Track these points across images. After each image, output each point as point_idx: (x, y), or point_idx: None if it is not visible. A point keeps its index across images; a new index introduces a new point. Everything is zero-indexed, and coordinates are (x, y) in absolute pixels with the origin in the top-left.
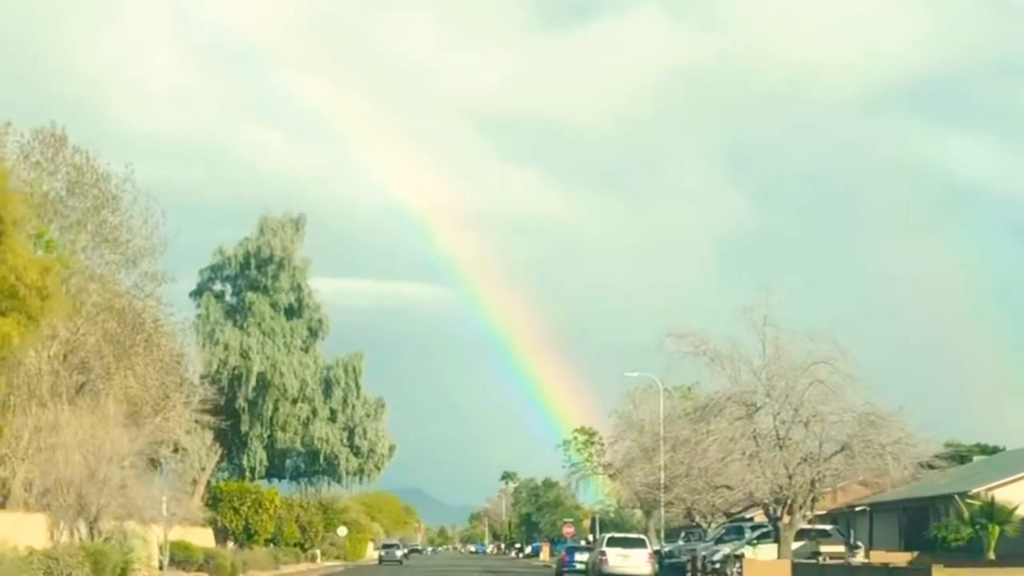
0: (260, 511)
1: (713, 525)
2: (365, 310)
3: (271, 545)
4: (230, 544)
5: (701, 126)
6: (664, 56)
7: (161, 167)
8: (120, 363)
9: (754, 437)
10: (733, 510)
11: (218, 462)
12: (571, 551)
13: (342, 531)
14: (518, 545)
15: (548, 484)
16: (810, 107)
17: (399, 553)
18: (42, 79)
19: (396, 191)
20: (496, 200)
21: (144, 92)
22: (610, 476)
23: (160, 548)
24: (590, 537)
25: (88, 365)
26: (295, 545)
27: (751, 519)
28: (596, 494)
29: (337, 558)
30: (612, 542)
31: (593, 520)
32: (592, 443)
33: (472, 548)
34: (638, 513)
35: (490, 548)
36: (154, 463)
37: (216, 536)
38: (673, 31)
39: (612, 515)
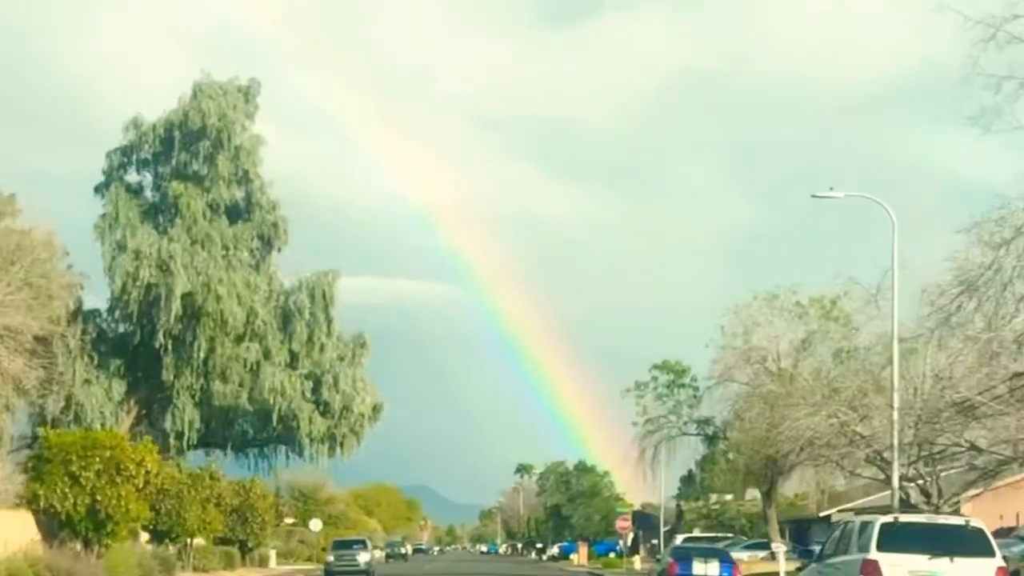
0: (120, 480)
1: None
2: (367, 307)
3: (171, 542)
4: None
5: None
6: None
7: None
8: None
9: None
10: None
11: (133, 425)
12: (685, 557)
13: (315, 525)
14: (540, 545)
15: (582, 468)
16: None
17: (363, 558)
18: None
19: (396, 187)
20: (500, 197)
21: (137, 84)
22: (707, 438)
23: None
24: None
25: None
26: (229, 542)
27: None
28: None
29: (309, 560)
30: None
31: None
32: (682, 385)
33: (483, 548)
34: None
35: (503, 548)
36: None
37: (43, 525)
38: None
39: (700, 504)
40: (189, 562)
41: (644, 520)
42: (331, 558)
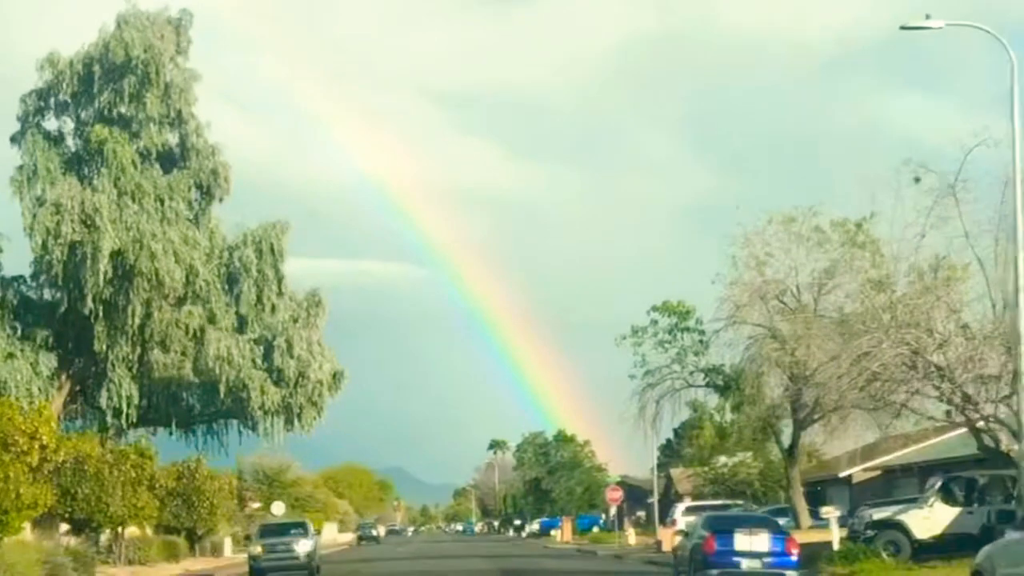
0: (8, 459)
1: None
2: (332, 290)
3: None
4: None
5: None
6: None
7: None
8: None
9: None
10: None
11: (67, 402)
12: (724, 530)
13: (277, 508)
14: (518, 521)
15: (562, 439)
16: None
17: (303, 548)
18: None
19: (357, 168)
20: (459, 175)
21: (55, 22)
22: (717, 389)
23: None
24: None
25: None
26: (176, 531)
27: None
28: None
29: None
30: None
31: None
32: (687, 329)
33: (459, 527)
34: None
35: (479, 526)
36: None
37: None
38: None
39: (707, 469)
40: (121, 555)
41: (627, 492)
42: (257, 549)
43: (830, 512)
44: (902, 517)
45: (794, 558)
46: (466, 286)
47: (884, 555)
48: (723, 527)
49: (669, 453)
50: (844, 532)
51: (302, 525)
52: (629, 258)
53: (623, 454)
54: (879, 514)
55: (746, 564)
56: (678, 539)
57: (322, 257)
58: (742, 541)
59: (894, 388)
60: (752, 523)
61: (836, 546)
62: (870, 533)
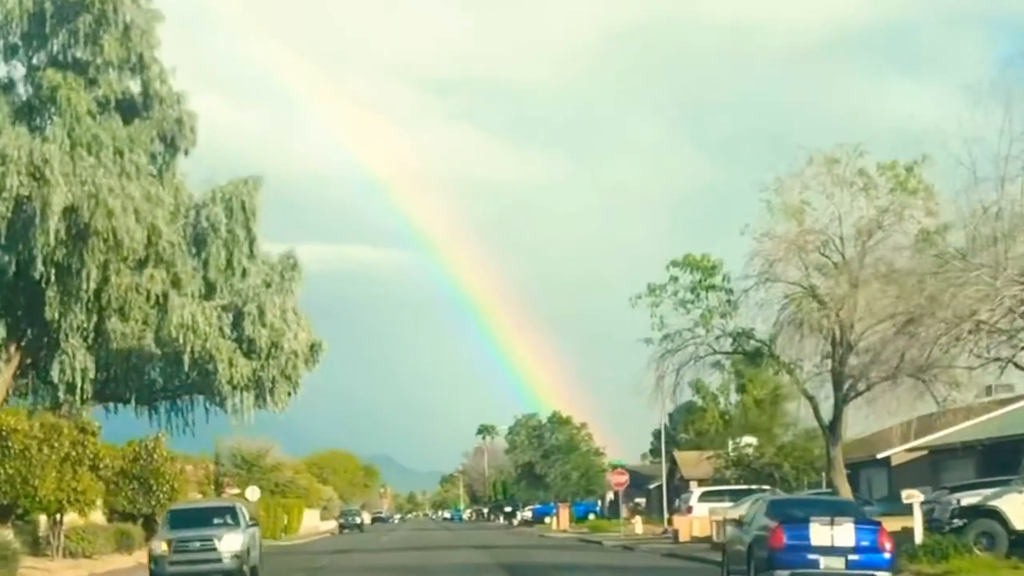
0: None
1: None
2: (317, 275)
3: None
4: None
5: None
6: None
7: None
8: None
9: None
10: None
11: (16, 375)
12: (796, 519)
13: (252, 493)
14: (508, 508)
15: (558, 421)
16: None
17: (229, 546)
18: None
19: (344, 153)
20: (446, 161)
21: None
22: (746, 356)
23: None
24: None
25: None
26: (129, 518)
27: None
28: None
29: None
30: None
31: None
32: (712, 287)
33: (446, 515)
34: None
35: (467, 514)
36: None
37: None
38: None
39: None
40: (59, 546)
41: None
42: (161, 547)
43: (913, 496)
44: (998, 503)
45: (887, 555)
46: (453, 271)
47: (976, 549)
48: (794, 515)
49: (665, 438)
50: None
51: (230, 511)
52: (620, 242)
53: (615, 440)
54: (968, 499)
55: (826, 563)
56: (728, 530)
57: (306, 242)
58: (820, 534)
59: (993, 345)
60: (832, 510)
61: (919, 539)
62: (958, 523)
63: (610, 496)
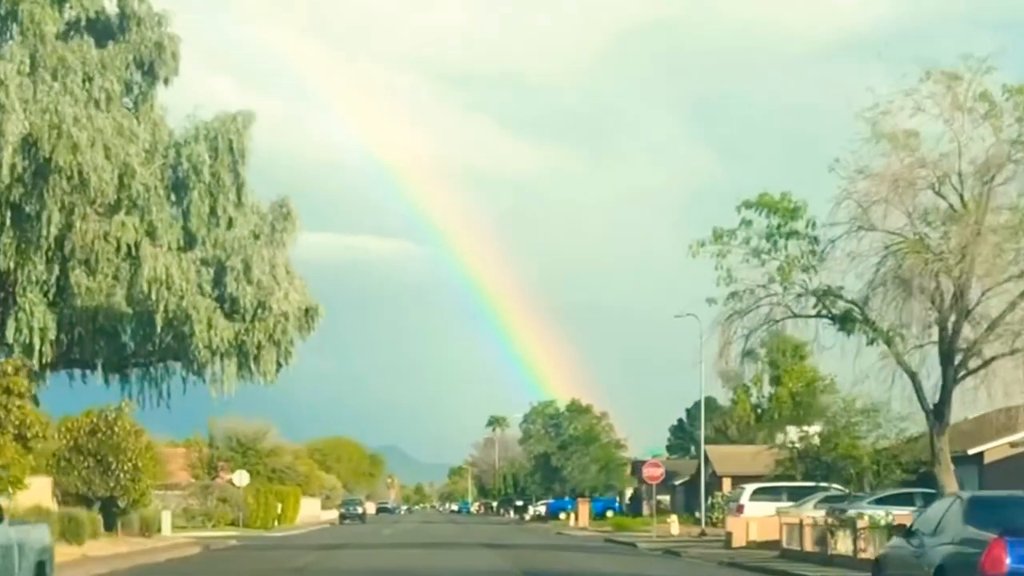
0: None
1: None
2: (328, 265)
3: None
4: None
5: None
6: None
7: None
8: None
9: None
10: None
11: None
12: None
13: (240, 478)
14: (520, 502)
15: (576, 409)
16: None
17: None
18: None
19: (356, 142)
20: (461, 152)
21: None
22: (833, 319)
23: None
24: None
25: None
26: (86, 501)
27: None
28: None
29: (232, 524)
30: None
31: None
32: (794, 234)
33: (454, 507)
34: None
35: (475, 507)
36: None
37: None
38: None
39: (787, 442)
40: None
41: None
42: None
43: None
44: None
45: None
46: (466, 263)
47: None
48: (1018, 524)
49: (681, 435)
50: None
51: None
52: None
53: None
54: None
55: None
56: (895, 542)
57: (317, 231)
58: None
59: None
60: None
61: None
62: None
63: (629, 492)
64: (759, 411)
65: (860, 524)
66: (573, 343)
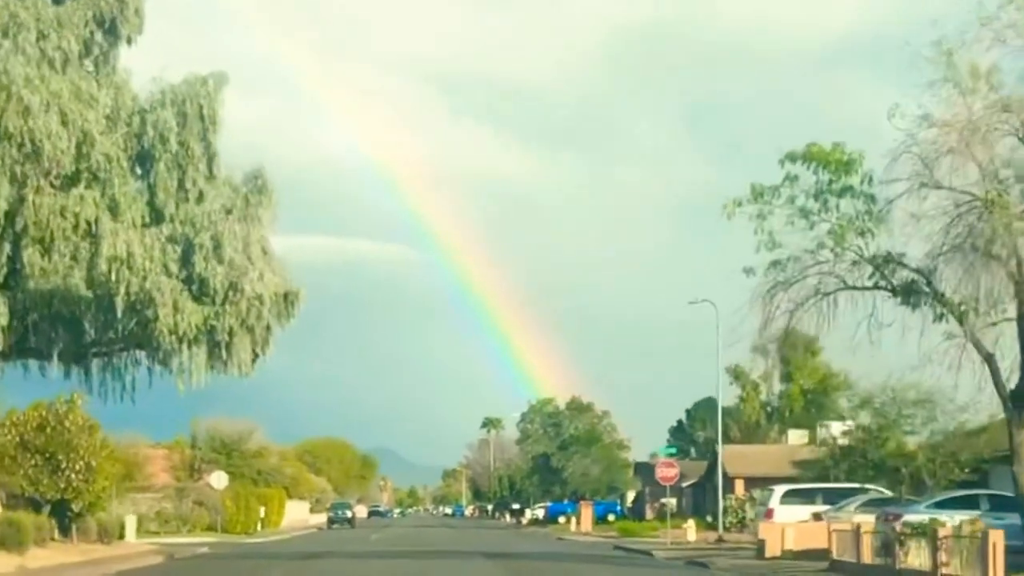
0: None
1: None
2: (322, 267)
3: None
4: None
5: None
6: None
7: None
8: None
9: None
10: None
11: None
12: None
13: (218, 480)
14: (516, 505)
15: (577, 407)
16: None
17: None
18: None
19: (350, 147)
20: (454, 158)
21: None
22: (894, 292)
23: None
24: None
25: None
26: (34, 504)
27: None
28: None
29: (210, 529)
30: None
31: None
32: (848, 191)
33: (447, 510)
34: None
35: (469, 510)
36: None
37: None
38: None
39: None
40: None
41: (648, 473)
42: None
43: None
44: None
45: None
46: (458, 267)
47: None
48: None
49: (681, 437)
50: None
51: None
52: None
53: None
54: None
55: None
56: None
57: (311, 233)
58: None
59: None
60: None
61: None
62: None
63: (631, 495)
64: (769, 409)
65: (943, 533)
66: (572, 344)
